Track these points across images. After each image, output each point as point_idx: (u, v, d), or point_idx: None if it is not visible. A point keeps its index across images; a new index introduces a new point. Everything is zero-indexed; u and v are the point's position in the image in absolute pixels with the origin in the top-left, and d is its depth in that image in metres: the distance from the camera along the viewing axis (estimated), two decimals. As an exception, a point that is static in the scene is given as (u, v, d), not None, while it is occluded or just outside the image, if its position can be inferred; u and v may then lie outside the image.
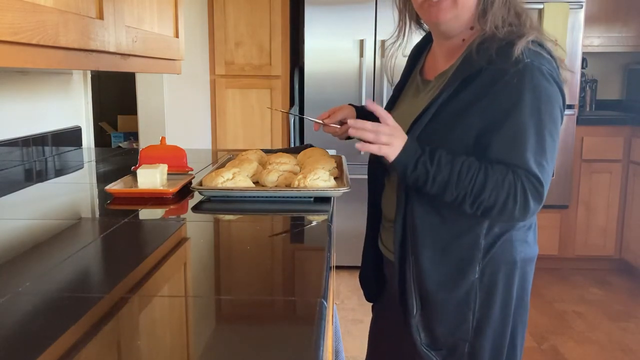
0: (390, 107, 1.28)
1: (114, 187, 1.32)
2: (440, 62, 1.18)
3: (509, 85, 1.02)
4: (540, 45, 1.06)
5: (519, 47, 1.01)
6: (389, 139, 1.03)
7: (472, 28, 1.12)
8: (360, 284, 1.40)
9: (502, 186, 1.01)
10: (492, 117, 1.03)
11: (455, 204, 1.04)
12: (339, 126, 1.29)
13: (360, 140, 1.04)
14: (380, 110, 1.05)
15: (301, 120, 3.41)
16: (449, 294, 1.10)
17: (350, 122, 1.06)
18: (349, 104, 1.37)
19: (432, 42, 1.23)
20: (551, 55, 1.07)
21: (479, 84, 1.04)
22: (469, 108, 1.04)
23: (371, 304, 1.43)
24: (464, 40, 1.13)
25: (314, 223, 1.14)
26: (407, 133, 1.08)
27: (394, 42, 1.23)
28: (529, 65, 1.01)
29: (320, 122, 1.31)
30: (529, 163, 1.01)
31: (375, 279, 1.35)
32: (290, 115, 3.36)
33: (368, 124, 1.04)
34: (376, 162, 1.25)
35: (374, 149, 1.03)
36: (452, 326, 1.11)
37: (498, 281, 1.10)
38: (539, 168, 1.02)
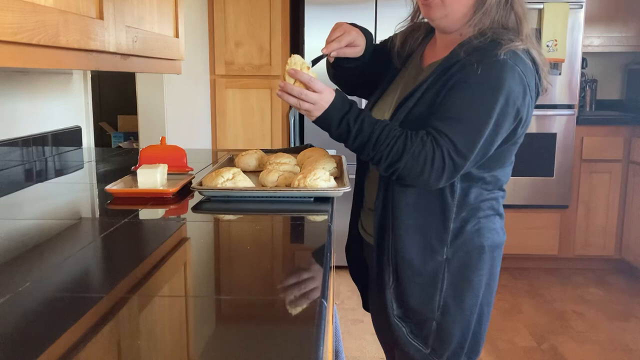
0: (392, 78, 1.32)
1: (114, 187, 1.32)
2: (437, 53, 1.23)
3: (473, 69, 1.07)
4: (528, 52, 1.10)
5: (504, 49, 1.06)
6: (310, 107, 1.10)
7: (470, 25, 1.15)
8: (347, 260, 1.48)
9: (418, 159, 1.06)
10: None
11: (373, 162, 1.12)
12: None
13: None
14: (304, 77, 1.10)
15: (301, 121, 3.41)
16: (418, 270, 1.17)
17: (281, 84, 1.11)
18: (359, 29, 1.29)
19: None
20: (535, 63, 1.11)
21: (453, 72, 1.10)
22: (442, 93, 1.11)
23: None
24: (461, 35, 1.17)
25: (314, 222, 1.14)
26: (394, 115, 1.16)
27: (403, 26, 1.32)
28: (500, 60, 1.06)
29: (328, 55, 1.26)
30: (456, 137, 1.06)
31: (356, 259, 1.43)
32: (291, 115, 3.36)
33: (295, 90, 1.09)
34: None
35: (294, 104, 1.11)
36: (420, 303, 1.18)
37: (466, 267, 1.16)
38: (465, 147, 1.06)
